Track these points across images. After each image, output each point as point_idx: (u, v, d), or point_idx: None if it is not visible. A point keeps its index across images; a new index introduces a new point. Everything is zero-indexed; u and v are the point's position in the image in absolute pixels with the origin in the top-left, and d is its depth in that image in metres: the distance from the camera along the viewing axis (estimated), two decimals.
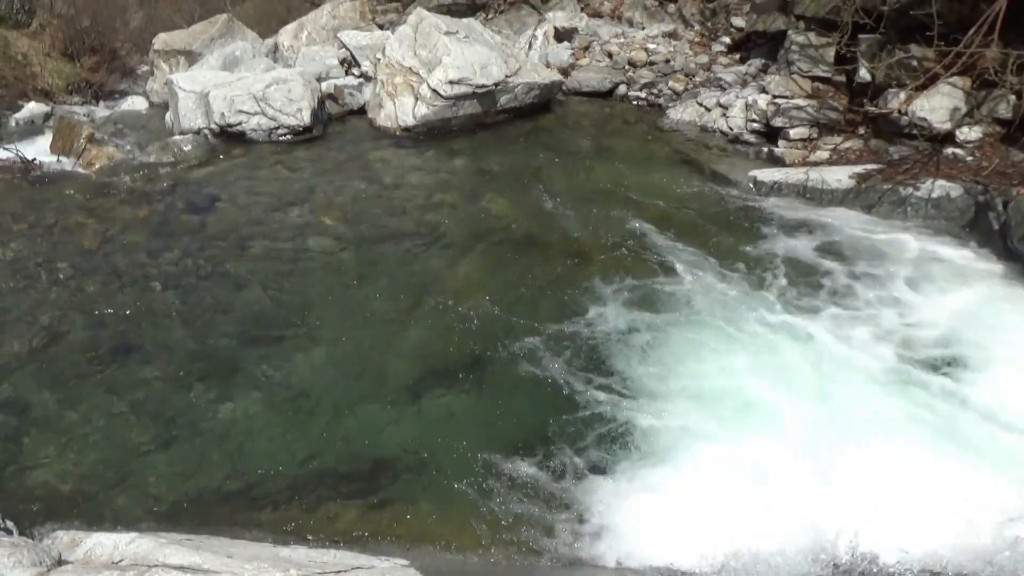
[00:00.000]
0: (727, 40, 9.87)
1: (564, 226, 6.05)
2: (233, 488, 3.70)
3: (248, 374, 4.48)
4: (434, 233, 6.06)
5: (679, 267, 5.37)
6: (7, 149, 7.72)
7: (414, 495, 3.67)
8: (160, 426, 4.10)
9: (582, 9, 11.90)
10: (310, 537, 3.45)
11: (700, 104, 8.52)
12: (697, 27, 10.53)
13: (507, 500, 3.59)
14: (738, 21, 9.90)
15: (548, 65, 9.98)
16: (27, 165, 7.19)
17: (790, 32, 8.11)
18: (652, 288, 5.12)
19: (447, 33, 8.58)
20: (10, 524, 3.05)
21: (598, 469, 3.75)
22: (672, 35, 10.31)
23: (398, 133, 8.29)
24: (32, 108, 15.76)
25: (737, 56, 9.54)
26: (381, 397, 4.33)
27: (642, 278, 5.24)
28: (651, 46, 10.02)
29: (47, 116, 14.40)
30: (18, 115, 15.02)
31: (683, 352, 4.49)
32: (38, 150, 8.40)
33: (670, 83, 9.33)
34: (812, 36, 7.84)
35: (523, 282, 5.36)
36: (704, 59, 9.64)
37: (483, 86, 8.22)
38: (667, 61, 9.65)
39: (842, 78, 7.66)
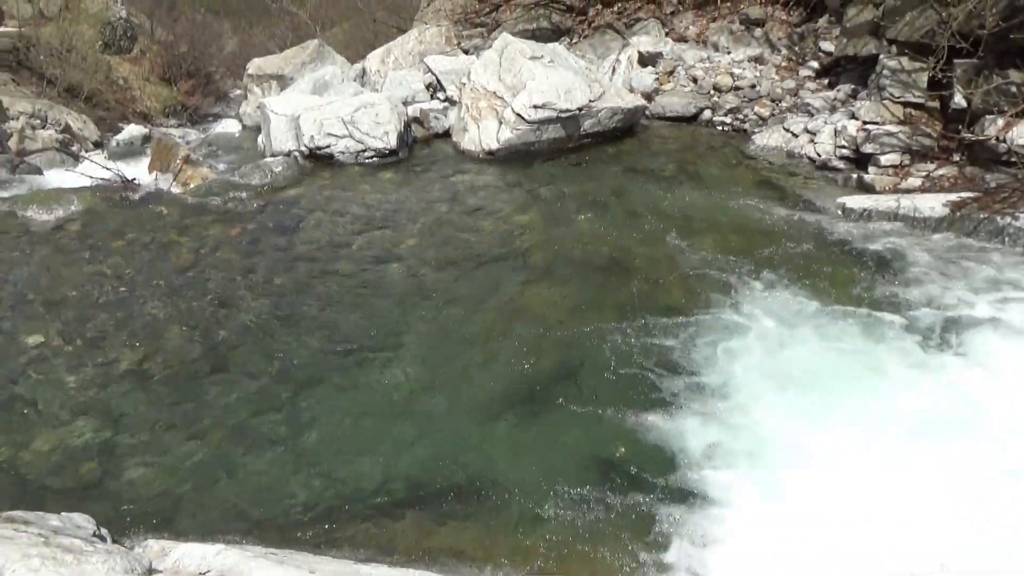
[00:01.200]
0: (815, 65, 9.71)
1: (646, 251, 6.00)
2: (316, 504, 3.75)
3: (331, 392, 4.55)
4: (516, 256, 6.08)
5: (764, 294, 5.27)
6: (109, 169, 8.06)
7: (494, 516, 3.66)
8: (246, 440, 4.19)
9: (667, 34, 11.87)
10: (390, 555, 3.47)
11: (787, 130, 8.38)
12: (784, 52, 10.38)
13: (588, 525, 3.55)
14: (827, 45, 9.73)
15: (632, 90, 9.97)
16: (127, 184, 7.46)
17: (882, 57, 7.93)
18: (736, 315, 5.03)
19: (532, 58, 8.65)
20: (104, 531, 3.14)
21: (684, 499, 3.68)
22: (758, 60, 10.19)
23: (482, 157, 8.37)
24: (131, 130, 16.42)
25: (825, 81, 9.36)
26: (462, 417, 4.35)
27: (726, 305, 5.16)
28: (737, 71, 9.92)
29: (145, 138, 15.00)
30: (119, 136, 15.67)
31: (769, 384, 4.39)
32: (137, 170, 8.74)
33: (756, 108, 9.22)
34: (905, 61, 7.66)
35: (605, 306, 5.33)
36: (791, 84, 9.50)
37: (567, 111, 8.25)
38: (753, 86, 9.54)
39: (936, 104, 7.44)
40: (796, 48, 10.20)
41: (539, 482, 3.81)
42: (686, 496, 3.68)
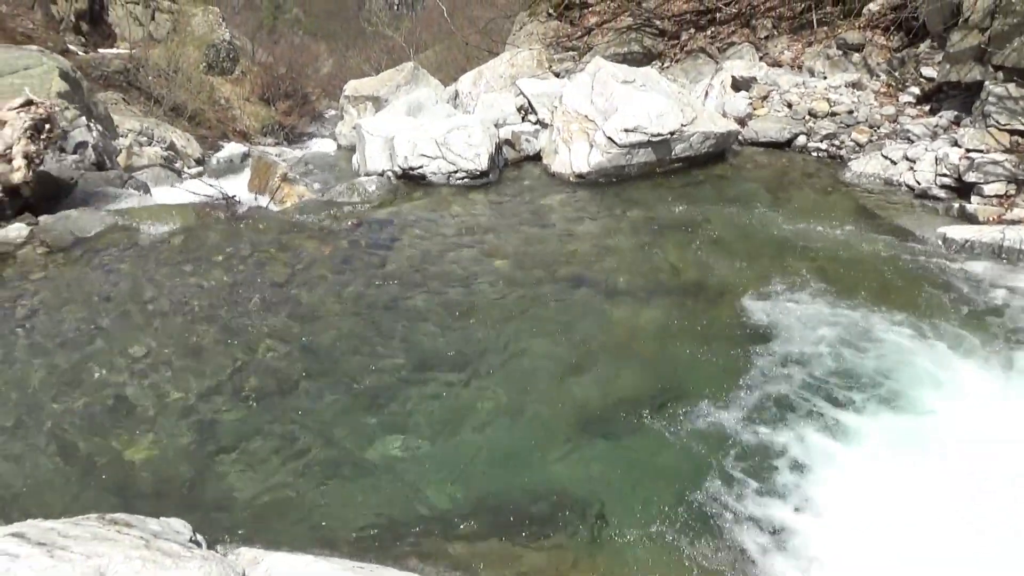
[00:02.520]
0: (916, 91, 9.47)
1: (736, 278, 5.91)
2: (402, 520, 3.78)
3: (418, 409, 4.59)
4: (604, 279, 6.06)
5: (858, 326, 5.11)
6: (211, 186, 8.35)
7: (578, 539, 3.62)
8: (335, 454, 4.25)
9: (761, 58, 11.75)
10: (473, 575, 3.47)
11: (885, 157, 8.18)
12: (883, 77, 10.16)
13: (676, 550, 3.49)
14: (928, 71, 9.48)
15: (724, 114, 9.88)
16: (227, 201, 7.72)
17: (987, 83, 7.69)
18: (832, 347, 4.90)
19: (624, 81, 8.65)
20: (200, 537, 3.22)
21: (771, 529, 3.59)
22: (856, 85, 9.99)
23: (572, 179, 8.40)
24: (231, 148, 17.04)
25: (927, 108, 9.12)
26: (547, 439, 4.33)
27: (818, 336, 5.03)
28: (833, 96, 9.74)
29: (244, 156, 15.55)
30: (219, 154, 16.28)
31: (864, 416, 4.27)
32: (236, 187, 9.03)
33: (853, 134, 9.03)
34: (1012, 87, 7.41)
35: (692, 332, 5.26)
36: (890, 110, 9.28)
37: (658, 135, 8.21)
38: (850, 112, 9.35)
39: None
40: (896, 73, 9.97)
41: (624, 506, 3.76)
42: (774, 527, 3.59)
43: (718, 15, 13.38)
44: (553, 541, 3.60)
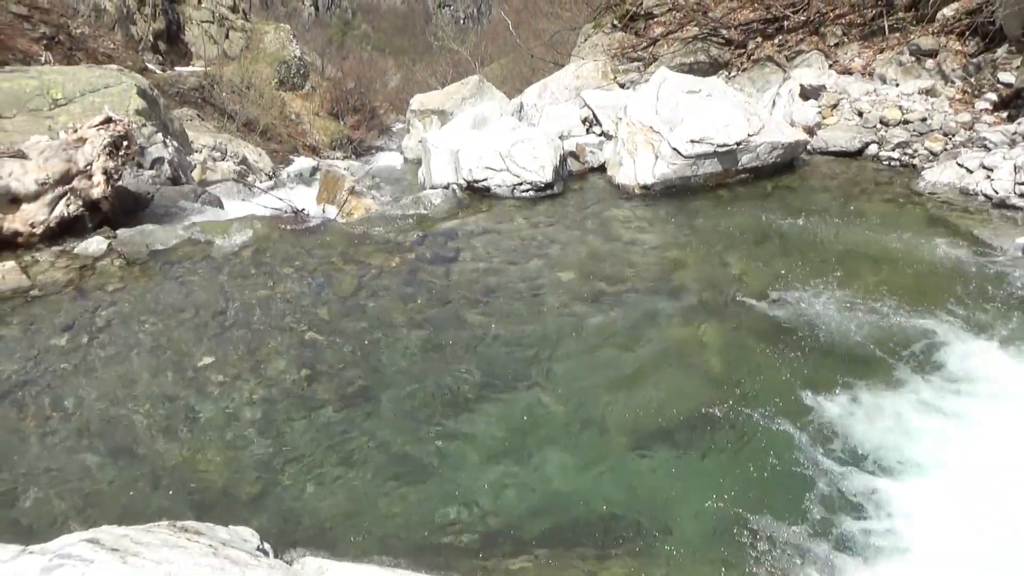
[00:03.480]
0: (993, 97, 9.19)
1: (805, 293, 5.79)
2: (468, 533, 3.78)
3: (483, 421, 4.60)
4: (669, 292, 6.01)
5: (935, 340, 4.97)
6: (281, 199, 8.52)
7: (642, 554, 3.58)
8: (398, 464, 4.28)
9: (830, 66, 11.54)
10: None
11: (960, 165, 7.94)
12: (958, 83, 9.89)
13: (745, 564, 3.43)
14: (1006, 76, 9.20)
15: (792, 124, 9.72)
16: (297, 214, 7.86)
17: None
18: (907, 363, 4.77)
19: (689, 92, 8.58)
20: (267, 545, 3.27)
21: (846, 549, 3.50)
22: (930, 92, 9.74)
23: (637, 191, 8.35)
24: (301, 162, 17.37)
25: (1004, 114, 8.84)
26: (613, 451, 4.30)
27: (891, 353, 4.89)
28: (906, 104, 9.52)
29: (313, 169, 15.82)
30: (290, 168, 16.60)
31: (947, 438, 4.14)
32: (306, 200, 9.19)
33: (926, 143, 8.79)
34: None
35: (758, 347, 5.17)
36: (966, 117, 9.02)
37: (724, 145, 8.12)
38: (923, 119, 9.12)
39: None
40: (972, 80, 9.70)
41: (688, 521, 3.72)
42: (845, 541, 3.50)
43: (786, 23, 13.20)
44: (617, 555, 3.56)
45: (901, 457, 3.99)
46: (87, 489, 4.10)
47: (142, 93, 11.68)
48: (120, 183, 7.79)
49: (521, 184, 8.34)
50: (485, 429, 4.52)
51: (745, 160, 8.35)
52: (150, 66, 21.47)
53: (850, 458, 4.02)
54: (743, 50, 13.50)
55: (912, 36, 11.05)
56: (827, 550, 3.47)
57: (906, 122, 9.20)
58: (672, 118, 8.40)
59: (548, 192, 8.37)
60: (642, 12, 16.28)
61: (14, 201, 6.91)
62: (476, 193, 8.53)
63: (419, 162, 10.31)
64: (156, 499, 4.02)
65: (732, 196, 8.04)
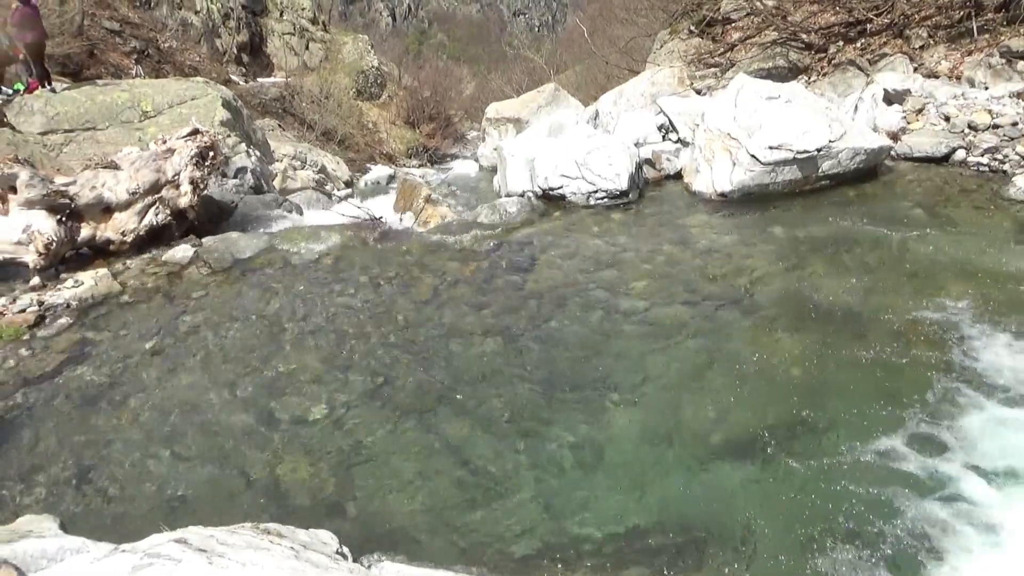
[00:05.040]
0: None
1: (888, 302, 5.63)
2: (542, 544, 3.78)
3: (557, 431, 4.59)
4: (747, 302, 5.91)
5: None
6: (359, 208, 8.66)
7: (721, 570, 3.53)
8: (473, 472, 4.31)
9: (915, 70, 11.23)
10: None
11: None
12: None
13: None
14: None
15: (876, 129, 9.48)
16: (374, 222, 7.98)
17: None
18: (990, 378, 4.60)
19: (768, 98, 8.45)
20: (345, 549, 3.32)
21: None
22: (1021, 95, 9.39)
23: (714, 198, 8.25)
24: (378, 170, 17.62)
25: None
26: (688, 464, 4.25)
27: (976, 367, 4.72)
28: (996, 107, 9.19)
29: (390, 178, 16.05)
30: (367, 176, 16.87)
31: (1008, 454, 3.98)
32: (383, 208, 9.33)
33: (1018, 148, 8.47)
34: None
35: (840, 358, 5.04)
36: None
37: (804, 151, 7.96)
38: (1015, 124, 8.78)
39: None
40: None
41: (771, 536, 3.65)
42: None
43: (869, 26, 12.89)
44: (695, 570, 3.52)
45: (990, 478, 3.86)
46: (174, 490, 4.22)
47: (226, 104, 12.02)
48: (206, 192, 8.02)
49: (596, 192, 8.32)
50: (559, 439, 4.51)
51: (826, 167, 8.17)
52: (234, 78, 22.09)
53: (933, 479, 3.89)
54: (823, 54, 13.23)
55: (1002, 38, 10.68)
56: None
57: (996, 126, 8.89)
58: (750, 124, 8.27)
59: (623, 200, 8.32)
60: (719, 17, 16.11)
61: (107, 210, 7.18)
62: (551, 201, 8.54)
63: (494, 170, 10.37)
64: (240, 501, 4.12)
65: (812, 204, 7.87)
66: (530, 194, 8.70)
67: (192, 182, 7.65)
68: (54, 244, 6.71)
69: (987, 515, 3.62)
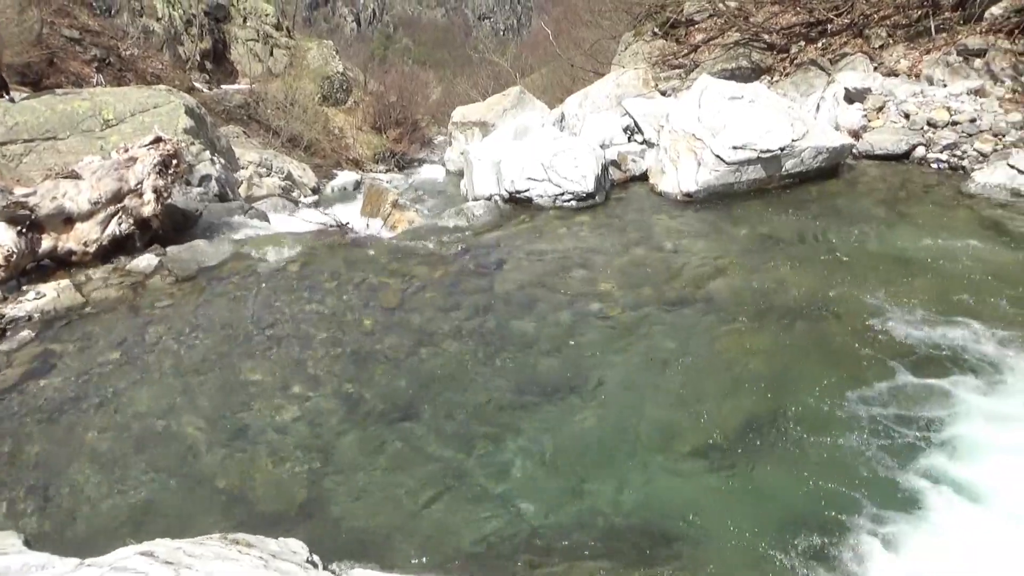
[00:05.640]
0: None
1: (853, 299, 5.70)
2: (512, 544, 3.78)
3: (525, 433, 4.60)
4: (714, 301, 5.95)
5: (986, 349, 4.86)
6: (326, 214, 8.62)
7: (686, 565, 3.55)
8: (443, 476, 4.30)
9: (875, 68, 11.37)
10: None
11: (1012, 166, 7.76)
12: (1008, 83, 9.68)
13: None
14: None
15: (837, 128, 9.60)
16: (341, 228, 7.95)
17: None
18: (954, 372, 4.67)
19: (731, 98, 8.52)
20: (316, 557, 3.30)
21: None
22: (979, 92, 9.55)
23: (679, 199, 8.31)
24: (345, 176, 17.53)
25: None
26: (655, 463, 4.27)
27: (942, 360, 4.80)
28: (954, 105, 9.35)
29: (357, 183, 15.99)
30: (334, 182, 16.78)
31: (988, 444, 4.04)
32: (350, 214, 9.29)
33: (976, 144, 8.62)
34: None
35: (805, 355, 5.11)
36: (1017, 117, 8.82)
37: (768, 151, 8.04)
38: (973, 120, 8.94)
39: None
40: (1022, 79, 9.48)
41: (737, 531, 3.67)
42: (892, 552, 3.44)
43: (829, 26, 13.05)
44: (659, 568, 3.54)
45: (951, 467, 3.92)
46: (141, 502, 4.18)
47: (190, 112, 11.91)
48: (170, 201, 7.94)
49: (563, 194, 8.34)
50: (528, 441, 4.52)
51: (789, 166, 8.26)
52: (197, 85, 21.89)
53: (899, 468, 3.95)
54: (786, 54, 13.36)
55: (959, 36, 10.86)
56: (872, 564, 3.42)
57: (954, 123, 9.03)
58: (714, 125, 8.34)
59: (590, 201, 8.35)
60: (683, 19, 16.23)
61: (68, 221, 7.08)
62: (518, 204, 8.55)
63: (461, 174, 10.37)
64: (208, 512, 4.08)
65: (777, 202, 7.95)
66: (497, 197, 8.70)
67: (155, 191, 7.56)
68: (15, 256, 6.61)
69: (948, 502, 3.68)
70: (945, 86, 10.04)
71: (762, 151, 8.05)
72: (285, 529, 3.75)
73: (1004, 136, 8.61)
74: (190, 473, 4.41)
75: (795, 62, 12.94)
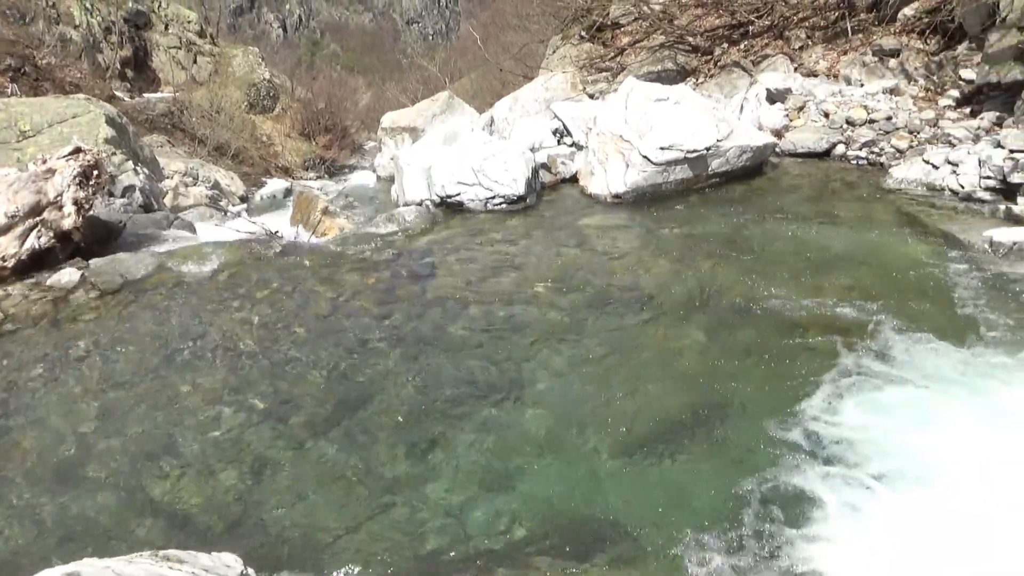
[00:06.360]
0: (955, 94, 9.33)
1: (778, 293, 5.84)
2: (448, 550, 3.77)
3: (464, 437, 4.60)
4: (645, 299, 6.04)
5: (904, 337, 5.02)
6: (254, 223, 8.49)
7: (624, 562, 3.59)
8: (382, 485, 4.27)
9: (795, 69, 11.67)
10: None
11: (927, 162, 8.04)
12: (921, 82, 10.03)
13: (722, 569, 3.44)
14: (967, 73, 9.34)
15: (760, 127, 9.83)
16: (271, 237, 7.84)
17: None
18: (872, 360, 4.82)
19: (657, 100, 8.66)
20: (250, 570, 3.25)
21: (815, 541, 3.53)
22: (894, 91, 9.88)
23: (609, 200, 8.41)
24: (274, 184, 17.32)
25: (967, 110, 8.98)
26: (591, 461, 4.31)
27: (861, 348, 4.95)
28: (871, 103, 9.65)
29: (287, 191, 15.82)
30: (263, 191, 16.56)
31: (904, 434, 4.18)
32: (279, 222, 9.18)
33: (892, 141, 8.91)
34: None
35: (735, 349, 5.21)
36: (930, 114, 9.15)
37: (694, 151, 8.19)
38: (889, 118, 9.24)
39: None
40: (934, 77, 9.84)
41: (673, 524, 3.73)
42: (817, 539, 3.53)
43: (751, 28, 13.34)
44: (599, 565, 3.57)
45: (876, 453, 4.04)
46: (68, 521, 4.06)
47: (111, 121, 11.63)
48: (91, 213, 7.74)
49: (494, 198, 8.37)
50: (466, 445, 4.53)
51: (715, 165, 8.42)
52: (118, 94, 21.36)
53: (828, 455, 4.05)
54: (710, 56, 13.62)
55: (875, 37, 11.21)
56: (808, 546, 3.51)
57: (872, 121, 9.33)
58: (641, 126, 8.46)
59: (521, 205, 8.40)
60: (609, 22, 16.40)
61: None
62: (449, 208, 8.56)
63: (392, 180, 10.32)
64: (138, 529, 3.99)
65: (704, 201, 8.10)
66: (428, 202, 8.69)
67: (76, 203, 7.36)
68: None
69: (876, 489, 3.79)
70: (862, 85, 10.35)
71: (688, 151, 8.19)
72: (218, 543, 3.69)
73: (919, 133, 8.91)
74: (119, 490, 4.30)
75: (719, 64, 13.19)
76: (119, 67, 23.81)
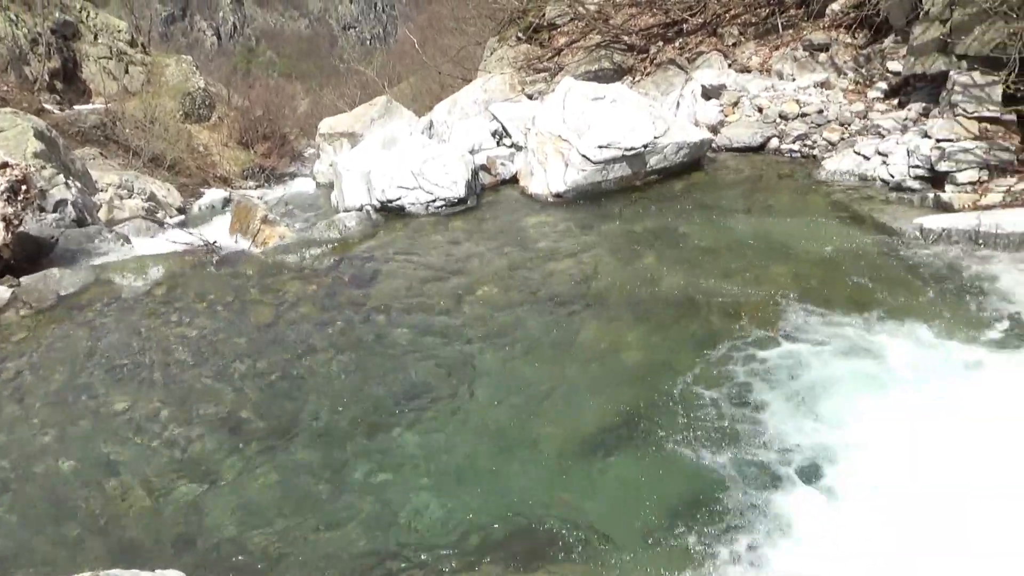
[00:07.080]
0: (883, 86, 9.53)
1: (719, 286, 5.92)
2: (399, 557, 3.76)
3: (411, 442, 4.59)
4: (587, 297, 6.08)
5: (841, 324, 5.14)
6: (192, 234, 8.35)
7: (575, 562, 3.61)
8: (330, 495, 4.24)
9: (729, 65, 11.82)
10: None
11: (858, 153, 8.21)
12: (851, 75, 10.23)
13: (668, 566, 3.48)
14: (894, 65, 9.55)
15: (697, 123, 9.94)
16: (209, 248, 7.71)
17: (952, 73, 7.73)
18: (812, 347, 4.93)
19: (594, 99, 8.72)
20: None
21: (762, 532, 3.59)
22: (824, 85, 10.06)
23: (550, 200, 8.44)
24: (212, 194, 17.06)
25: (895, 102, 9.19)
26: (536, 464, 4.33)
27: (802, 337, 5.05)
28: (803, 97, 9.82)
29: (226, 201, 15.58)
30: (201, 201, 16.30)
31: (851, 421, 4.28)
32: (218, 233, 9.04)
33: (824, 133, 9.07)
34: (976, 75, 7.46)
35: (678, 344, 5.28)
36: (860, 107, 9.34)
37: (632, 148, 8.26)
38: (820, 111, 9.41)
39: (1012, 117, 7.21)
40: (863, 70, 10.05)
41: (617, 524, 3.77)
42: (763, 530, 3.60)
43: (685, 26, 13.48)
44: (550, 566, 3.59)
45: (815, 442, 4.12)
46: (7, 544, 3.97)
47: (39, 135, 11.33)
48: (21, 229, 7.55)
49: (435, 201, 8.36)
50: (414, 450, 4.52)
51: (653, 162, 8.50)
52: (47, 106, 20.81)
53: (766, 458, 4.11)
54: (645, 55, 13.73)
55: (804, 32, 11.41)
56: (754, 536, 3.57)
57: (804, 115, 9.49)
58: (579, 126, 8.51)
59: (462, 207, 8.40)
60: (545, 23, 16.45)
61: None
62: (390, 213, 8.52)
63: (331, 186, 10.23)
64: (78, 550, 3.91)
65: (644, 198, 8.17)
66: (368, 208, 8.64)
67: (4, 219, 7.18)
68: None
69: (817, 470, 3.88)
70: (794, 80, 10.53)
71: (627, 149, 8.26)
72: (162, 561, 3.62)
73: (849, 125, 9.08)
74: (59, 510, 4.21)
75: (655, 62, 13.30)
76: (47, 79, 23.21)
